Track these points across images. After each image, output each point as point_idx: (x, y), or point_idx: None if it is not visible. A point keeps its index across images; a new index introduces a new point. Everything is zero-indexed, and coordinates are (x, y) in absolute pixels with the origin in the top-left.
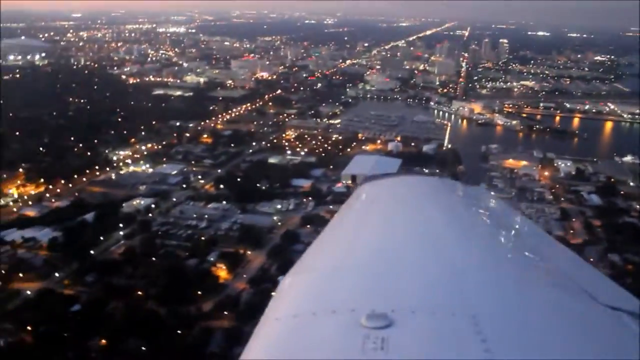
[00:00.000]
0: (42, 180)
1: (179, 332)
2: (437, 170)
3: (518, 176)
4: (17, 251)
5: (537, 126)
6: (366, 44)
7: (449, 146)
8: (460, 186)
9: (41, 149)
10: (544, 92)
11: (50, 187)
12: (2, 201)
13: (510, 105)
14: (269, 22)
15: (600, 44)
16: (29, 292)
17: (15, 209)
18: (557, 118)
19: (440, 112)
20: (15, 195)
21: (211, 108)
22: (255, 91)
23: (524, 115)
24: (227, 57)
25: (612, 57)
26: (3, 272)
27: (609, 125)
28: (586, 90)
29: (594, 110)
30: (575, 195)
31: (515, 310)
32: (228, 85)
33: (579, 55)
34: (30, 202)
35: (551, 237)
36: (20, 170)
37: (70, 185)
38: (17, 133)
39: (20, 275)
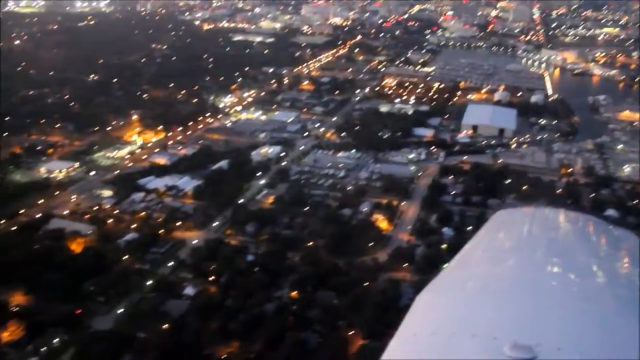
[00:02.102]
0: (158, 127)
1: (366, 284)
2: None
3: (638, 129)
4: (163, 200)
5: None
6: None
7: (555, 96)
8: (604, 225)
9: (144, 96)
10: (632, 40)
11: (169, 134)
12: (129, 148)
13: (603, 55)
14: None
15: None
16: (195, 242)
17: (144, 156)
18: None
19: (530, 61)
20: (140, 142)
21: (297, 54)
22: (336, 37)
23: (618, 65)
24: (292, 2)
25: None
26: (159, 220)
27: None
28: None
29: None
30: None
31: None
32: (305, 31)
33: None
34: (156, 150)
35: None
36: (134, 117)
37: (188, 132)
38: (115, 80)
39: (178, 224)
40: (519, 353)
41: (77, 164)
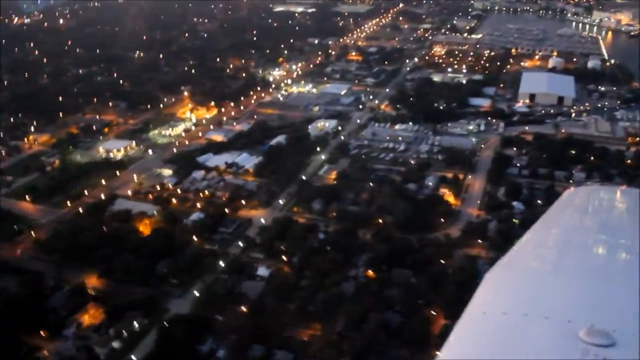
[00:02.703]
0: (210, 103)
1: (442, 261)
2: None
3: None
4: (224, 177)
5: None
6: None
7: (612, 61)
8: None
9: (193, 71)
10: None
11: (222, 109)
12: (184, 125)
13: None
14: None
15: None
16: (262, 220)
17: (199, 133)
18: None
19: (581, 24)
20: (194, 119)
21: (341, 24)
22: (378, 6)
23: None
24: None
25: None
26: (223, 199)
27: None
28: None
29: None
30: None
31: None
32: (346, 0)
33: None
34: (211, 126)
35: None
36: (185, 93)
37: (240, 107)
38: (161, 56)
39: (242, 202)
40: (596, 338)
41: (134, 143)
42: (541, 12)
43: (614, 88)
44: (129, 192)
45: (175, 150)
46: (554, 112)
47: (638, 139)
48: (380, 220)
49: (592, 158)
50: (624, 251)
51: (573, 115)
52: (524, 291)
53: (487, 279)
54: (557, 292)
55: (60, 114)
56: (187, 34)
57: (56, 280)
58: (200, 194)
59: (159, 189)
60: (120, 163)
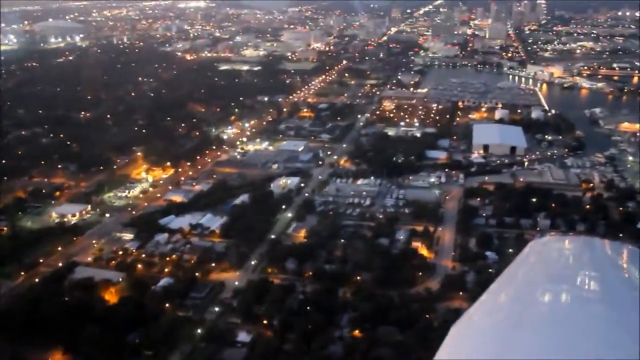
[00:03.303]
0: (166, 163)
1: (427, 316)
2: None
3: None
4: (190, 240)
5: (628, 88)
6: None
7: (553, 111)
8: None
9: (143, 131)
10: (607, 52)
11: (179, 169)
12: (141, 186)
13: (586, 68)
14: None
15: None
16: (236, 283)
17: (158, 195)
18: (636, 78)
19: (517, 77)
20: (151, 180)
21: (288, 81)
22: (322, 63)
23: (600, 76)
24: (269, 29)
25: None
26: (192, 262)
27: None
28: None
29: None
30: None
31: None
32: (290, 57)
33: (619, 13)
34: (170, 187)
35: None
36: (139, 153)
37: (197, 167)
38: (109, 116)
39: (212, 265)
40: None
41: (89, 207)
42: (479, 66)
43: (560, 137)
44: (90, 259)
45: (134, 212)
46: (508, 161)
47: (591, 184)
48: (359, 278)
49: (553, 205)
50: (586, 302)
51: (526, 164)
52: (489, 345)
53: (452, 333)
54: (519, 346)
55: (4, 178)
56: (133, 94)
57: None
58: (167, 258)
59: (121, 254)
60: (76, 228)
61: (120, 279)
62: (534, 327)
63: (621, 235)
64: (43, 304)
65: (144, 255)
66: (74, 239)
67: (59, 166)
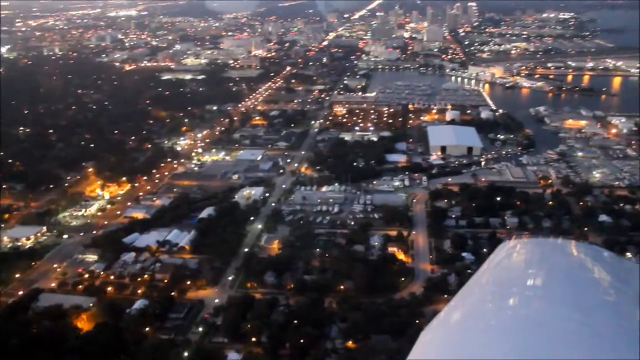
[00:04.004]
0: (120, 178)
1: (417, 321)
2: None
3: (587, 136)
4: (159, 257)
5: (566, 86)
6: (333, 15)
7: (500, 111)
8: (604, 254)
9: (91, 145)
10: (540, 52)
11: (135, 184)
12: (97, 204)
13: (524, 68)
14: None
15: (548, 2)
16: (217, 301)
17: (118, 212)
18: (570, 77)
19: (460, 79)
20: (107, 197)
21: (234, 89)
22: (266, 69)
23: (538, 76)
24: (207, 37)
25: (573, 14)
26: (165, 281)
27: (619, 80)
28: (576, 48)
29: (600, 67)
30: None
31: None
32: (233, 65)
33: (543, 15)
34: (129, 203)
35: None
36: (90, 169)
37: (155, 180)
38: (51, 131)
39: (188, 282)
40: None
41: (44, 228)
42: (421, 69)
43: (511, 136)
44: (53, 285)
45: (95, 232)
46: (466, 162)
47: (550, 181)
48: (342, 287)
49: (517, 203)
50: (554, 304)
51: (483, 164)
52: (458, 350)
53: (421, 338)
54: (489, 349)
55: None
56: (74, 107)
57: None
58: (138, 279)
59: (87, 277)
60: (33, 252)
61: (91, 304)
62: (503, 331)
63: (586, 229)
64: (9, 337)
65: (112, 277)
66: (33, 263)
67: (4, 186)
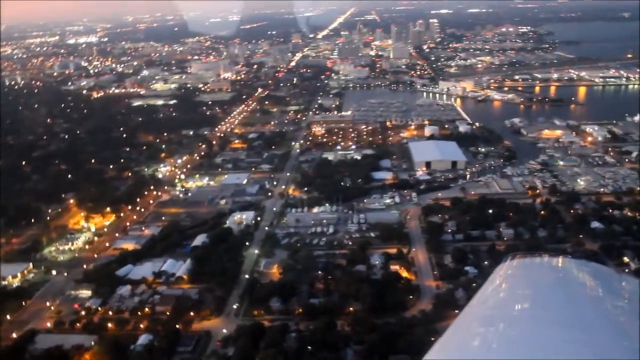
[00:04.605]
0: (104, 209)
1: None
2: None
3: (565, 145)
4: (157, 289)
5: (536, 98)
6: (297, 36)
7: (477, 124)
8: (606, 272)
9: (69, 176)
10: (506, 65)
11: (120, 214)
12: (84, 236)
13: (493, 81)
14: (172, 24)
15: (504, 17)
16: (225, 331)
17: (106, 243)
18: (537, 88)
19: (431, 94)
20: (93, 228)
21: (209, 113)
22: (239, 92)
23: (507, 88)
24: (172, 61)
25: (530, 28)
26: (167, 313)
27: (584, 90)
28: (540, 60)
29: (565, 78)
30: (628, 155)
31: None
32: (204, 88)
33: (502, 29)
34: (117, 234)
35: None
36: (71, 201)
37: (140, 209)
38: (24, 162)
39: (191, 313)
40: None
41: (30, 265)
42: (392, 86)
43: (492, 148)
44: (49, 324)
45: (85, 266)
46: (452, 176)
47: (537, 191)
48: (351, 308)
49: (510, 214)
50: (558, 326)
51: (468, 177)
52: None
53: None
54: None
55: None
56: (45, 137)
57: None
58: (138, 312)
59: (84, 314)
60: (22, 291)
61: (93, 343)
62: (505, 354)
63: (580, 236)
64: None
65: (111, 313)
66: (23, 303)
67: None
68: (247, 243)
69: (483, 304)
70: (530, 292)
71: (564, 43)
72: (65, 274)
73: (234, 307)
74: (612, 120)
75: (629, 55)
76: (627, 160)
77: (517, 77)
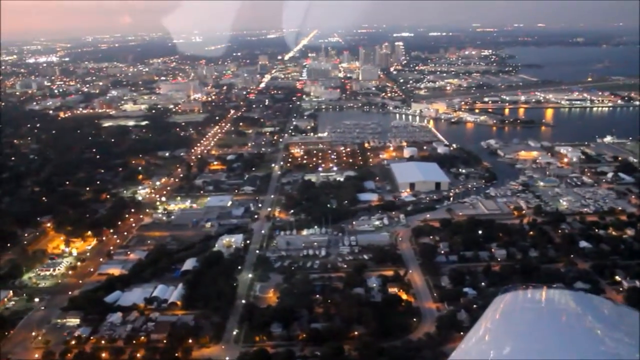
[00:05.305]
0: (85, 232)
1: None
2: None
3: (542, 166)
4: (150, 316)
5: (507, 119)
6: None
7: (454, 146)
8: (604, 304)
9: (43, 199)
10: (473, 88)
11: (102, 238)
12: (66, 262)
13: (463, 103)
14: (134, 44)
15: (465, 40)
16: (227, 359)
17: (90, 268)
18: (507, 110)
19: (404, 116)
20: (75, 253)
21: (182, 134)
22: (211, 113)
23: (478, 110)
24: (139, 82)
25: (492, 51)
26: (164, 341)
27: (551, 112)
28: (505, 82)
29: (533, 100)
30: (604, 175)
31: None
32: (175, 109)
33: (465, 52)
34: (101, 259)
35: None
36: (48, 224)
37: (123, 233)
38: None
39: (189, 341)
40: None
41: (10, 292)
42: (365, 107)
43: (472, 169)
44: (37, 356)
45: (70, 292)
46: (436, 197)
47: (523, 211)
48: (356, 333)
49: (500, 235)
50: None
51: (452, 198)
52: None
53: None
54: None
55: None
56: (13, 158)
57: None
58: (133, 341)
59: (74, 344)
60: (4, 320)
61: None
62: None
63: (572, 256)
64: None
65: (103, 342)
66: (6, 333)
67: None
68: (239, 267)
69: (480, 339)
70: (526, 328)
71: (526, 66)
72: (49, 300)
73: (234, 333)
74: (584, 141)
75: (589, 79)
76: (604, 180)
77: (486, 99)
